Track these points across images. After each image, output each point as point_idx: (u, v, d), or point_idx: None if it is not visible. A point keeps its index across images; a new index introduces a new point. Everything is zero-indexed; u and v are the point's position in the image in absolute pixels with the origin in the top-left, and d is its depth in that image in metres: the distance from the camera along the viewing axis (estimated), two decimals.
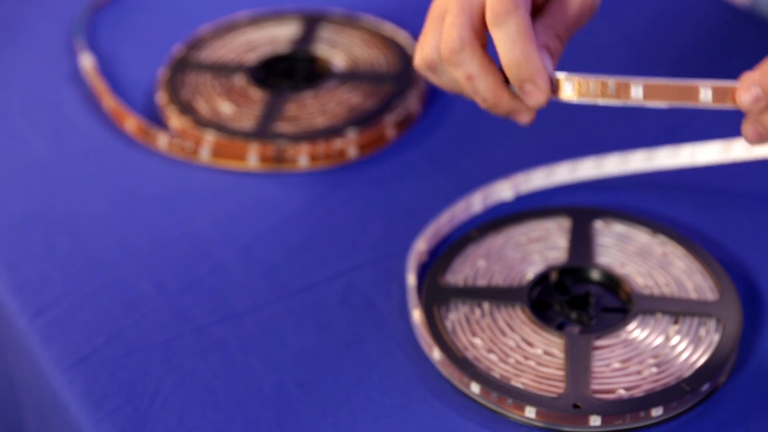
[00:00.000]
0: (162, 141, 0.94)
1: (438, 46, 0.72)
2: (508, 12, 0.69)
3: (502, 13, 0.69)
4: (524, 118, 0.73)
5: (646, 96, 0.69)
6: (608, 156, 0.89)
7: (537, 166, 0.91)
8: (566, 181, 0.89)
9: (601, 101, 0.69)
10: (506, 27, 0.69)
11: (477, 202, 0.88)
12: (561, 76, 0.70)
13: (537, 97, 0.70)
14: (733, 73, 1.00)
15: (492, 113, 0.73)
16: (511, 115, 0.73)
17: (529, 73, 0.70)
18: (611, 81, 0.69)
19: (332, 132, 0.93)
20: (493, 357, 0.76)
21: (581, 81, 0.69)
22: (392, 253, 0.85)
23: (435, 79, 0.75)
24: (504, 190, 0.89)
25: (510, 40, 0.69)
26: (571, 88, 0.70)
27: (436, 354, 0.77)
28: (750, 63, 1.00)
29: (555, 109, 0.97)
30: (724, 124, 0.89)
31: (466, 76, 0.71)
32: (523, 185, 0.89)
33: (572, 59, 0.93)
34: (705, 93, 0.68)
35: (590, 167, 0.89)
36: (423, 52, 0.74)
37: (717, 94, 0.68)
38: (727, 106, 0.68)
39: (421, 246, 0.83)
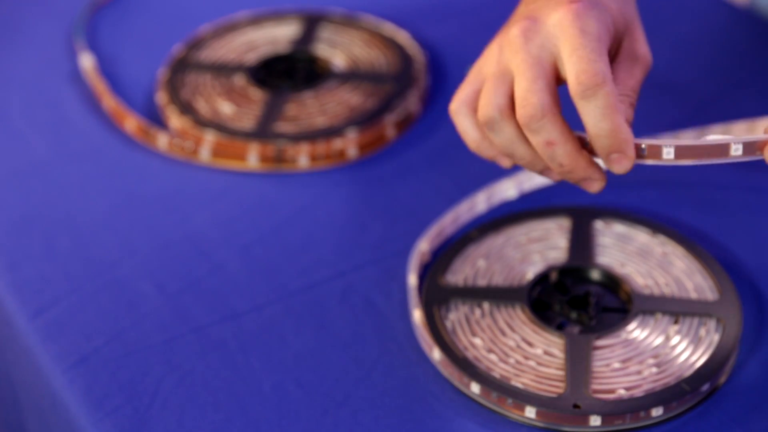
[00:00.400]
0: (162, 141, 0.94)
1: (501, 105, 0.72)
2: (597, 85, 0.69)
3: (591, 87, 0.69)
4: (596, 186, 0.73)
5: (677, 156, 0.69)
6: None
7: None
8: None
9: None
10: (595, 101, 0.69)
11: (481, 201, 0.88)
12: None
13: (624, 164, 0.70)
14: (733, 73, 1.00)
15: (565, 179, 0.73)
16: (584, 181, 0.73)
17: (618, 145, 0.70)
18: (644, 143, 0.70)
19: (332, 132, 0.93)
20: (493, 357, 0.76)
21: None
22: (392, 253, 0.85)
23: (471, 126, 0.75)
24: (508, 189, 0.89)
25: (599, 113, 0.69)
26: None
27: (436, 354, 0.77)
28: (749, 62, 1.01)
29: None
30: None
31: (545, 142, 0.71)
32: (526, 183, 0.89)
33: None
34: (736, 149, 0.69)
35: None
36: (482, 110, 0.73)
37: (747, 148, 0.69)
38: (758, 156, 0.69)
39: (423, 246, 0.83)
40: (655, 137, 0.93)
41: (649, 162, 0.70)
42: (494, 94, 0.72)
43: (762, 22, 1.05)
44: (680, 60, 1.01)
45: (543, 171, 0.74)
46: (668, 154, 0.69)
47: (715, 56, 1.02)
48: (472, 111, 0.75)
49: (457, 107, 0.75)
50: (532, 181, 0.89)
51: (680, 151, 0.69)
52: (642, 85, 0.74)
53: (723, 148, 0.69)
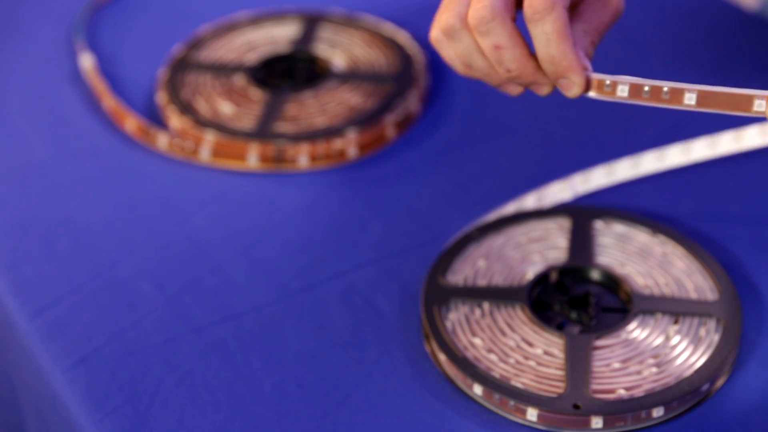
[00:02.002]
0: (162, 141, 0.94)
1: (462, 13, 0.74)
2: (546, 10, 0.70)
3: (540, 11, 0.70)
4: (543, 90, 0.75)
5: (699, 103, 0.70)
6: (645, 154, 0.89)
7: (537, 165, 0.91)
8: (628, 178, 0.89)
9: (646, 103, 0.71)
10: (543, 25, 0.70)
11: (530, 202, 0.87)
12: (604, 77, 0.72)
13: (573, 89, 0.72)
14: (743, 77, 1.00)
15: (512, 83, 0.75)
16: (532, 86, 0.74)
17: (564, 70, 0.72)
18: (666, 86, 0.70)
19: (332, 132, 0.93)
20: (493, 357, 0.76)
21: (636, 83, 0.71)
22: (392, 253, 0.85)
23: (448, 49, 0.75)
24: (561, 191, 0.88)
25: (546, 38, 0.71)
26: (625, 91, 0.72)
27: (436, 354, 0.77)
28: (759, 66, 1.01)
29: (555, 108, 0.97)
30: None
31: (493, 45, 0.73)
32: (580, 186, 0.89)
33: None
34: (759, 104, 0.69)
35: (627, 167, 0.90)
36: (442, 19, 0.75)
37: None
38: None
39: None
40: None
41: (607, 98, 0.72)
42: (456, 3, 0.74)
43: None
44: (689, 63, 1.01)
45: (501, 85, 0.76)
46: (690, 100, 0.70)
47: (723, 60, 1.02)
48: (467, 66, 0.76)
49: (437, 36, 0.76)
50: (588, 184, 0.89)
51: (703, 98, 0.70)
52: (608, 31, 0.75)
53: (746, 100, 0.69)
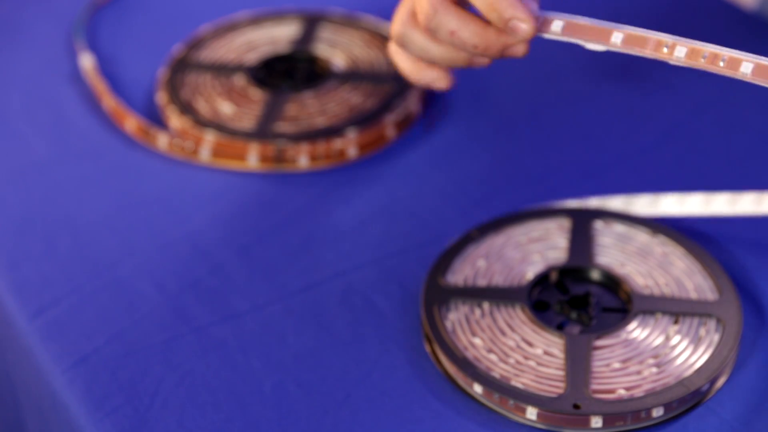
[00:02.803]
0: (162, 141, 0.94)
1: (404, 19, 0.78)
2: None
3: None
4: (519, 50, 0.77)
5: (624, 43, 0.74)
6: (718, 194, 0.87)
7: (537, 165, 0.91)
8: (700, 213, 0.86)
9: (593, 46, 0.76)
10: None
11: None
12: (552, 15, 0.76)
13: (524, 29, 0.75)
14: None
15: (488, 57, 0.78)
16: (506, 52, 0.77)
17: (507, 11, 0.75)
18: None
19: (332, 132, 0.93)
20: (493, 357, 0.76)
21: (582, 23, 0.75)
22: (392, 253, 0.85)
23: (402, 57, 0.81)
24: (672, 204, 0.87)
25: None
26: (560, 27, 0.76)
27: (436, 354, 0.77)
28: None
29: (555, 108, 0.97)
30: None
31: (449, 33, 0.76)
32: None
33: (579, 61, 0.93)
34: (746, 66, 0.71)
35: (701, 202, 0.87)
36: (392, 31, 0.80)
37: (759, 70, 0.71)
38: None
39: None
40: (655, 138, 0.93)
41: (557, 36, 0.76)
42: (400, 13, 0.79)
43: None
44: None
45: (470, 62, 0.79)
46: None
47: None
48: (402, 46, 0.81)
49: (393, 47, 0.83)
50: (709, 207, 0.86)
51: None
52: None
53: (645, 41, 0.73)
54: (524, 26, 0.75)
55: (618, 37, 0.74)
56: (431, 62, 0.80)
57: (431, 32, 0.77)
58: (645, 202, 0.86)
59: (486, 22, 0.76)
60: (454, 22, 0.76)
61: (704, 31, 1.04)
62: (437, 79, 0.82)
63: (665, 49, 0.73)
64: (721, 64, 0.71)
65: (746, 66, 0.70)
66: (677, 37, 0.73)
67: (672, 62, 0.73)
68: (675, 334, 0.78)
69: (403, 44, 0.80)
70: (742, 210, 0.83)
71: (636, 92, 0.98)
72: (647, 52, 0.74)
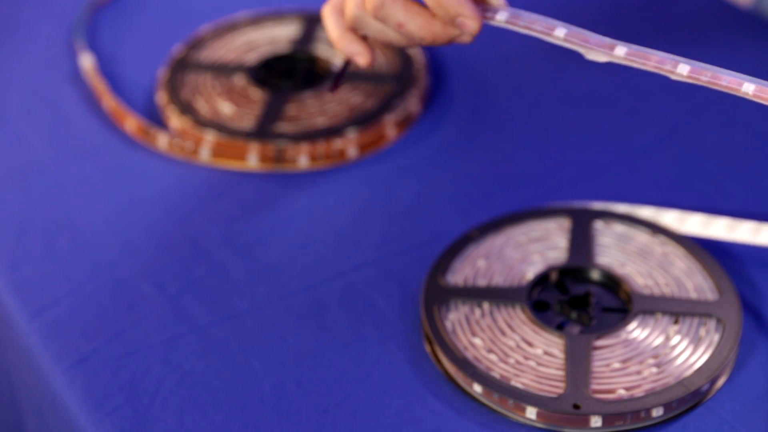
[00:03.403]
0: (162, 141, 0.94)
1: (359, 4, 0.79)
2: None
3: None
4: (465, 39, 0.79)
5: (567, 37, 0.76)
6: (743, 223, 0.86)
7: (537, 165, 0.91)
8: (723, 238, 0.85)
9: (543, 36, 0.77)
10: None
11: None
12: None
13: (470, 25, 0.77)
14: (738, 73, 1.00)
15: (439, 44, 0.79)
16: (454, 41, 0.79)
17: (454, 8, 0.76)
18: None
19: (332, 132, 0.93)
20: (493, 357, 0.76)
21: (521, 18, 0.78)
22: (392, 253, 0.85)
23: (334, 24, 0.82)
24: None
25: None
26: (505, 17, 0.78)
27: (437, 354, 0.77)
28: (753, 64, 1.01)
29: (555, 108, 0.97)
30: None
31: (396, 26, 0.78)
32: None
33: (579, 61, 0.92)
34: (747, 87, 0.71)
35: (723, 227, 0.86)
36: (348, 10, 0.80)
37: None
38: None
39: None
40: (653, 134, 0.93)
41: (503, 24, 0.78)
42: None
43: (765, 23, 1.05)
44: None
45: (430, 43, 0.80)
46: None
47: (717, 57, 1.02)
48: (338, 12, 0.83)
49: (327, 9, 0.84)
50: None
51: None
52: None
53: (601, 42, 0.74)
54: (470, 23, 0.77)
55: (561, 32, 0.75)
56: (385, 42, 0.81)
57: (380, 23, 0.79)
58: (672, 217, 0.85)
59: (433, 14, 0.78)
60: (401, 14, 0.78)
61: (699, 29, 1.04)
62: (359, 54, 0.83)
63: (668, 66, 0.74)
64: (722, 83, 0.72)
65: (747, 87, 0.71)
66: (678, 57, 0.73)
67: (673, 77, 0.73)
68: (675, 334, 0.78)
69: (359, 26, 0.81)
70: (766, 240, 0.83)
71: (636, 92, 0.98)
72: (649, 66, 0.74)
